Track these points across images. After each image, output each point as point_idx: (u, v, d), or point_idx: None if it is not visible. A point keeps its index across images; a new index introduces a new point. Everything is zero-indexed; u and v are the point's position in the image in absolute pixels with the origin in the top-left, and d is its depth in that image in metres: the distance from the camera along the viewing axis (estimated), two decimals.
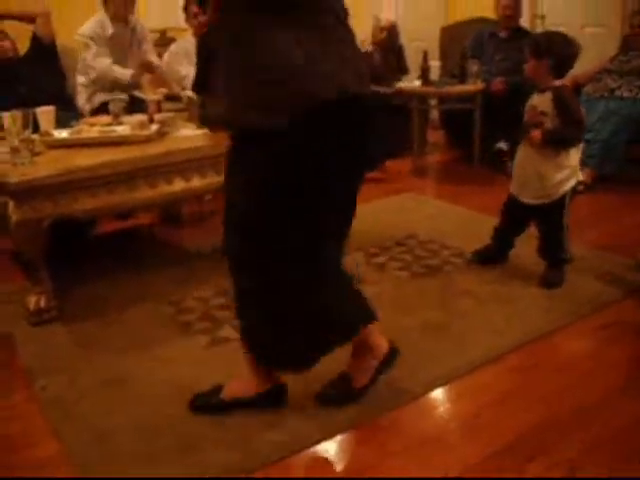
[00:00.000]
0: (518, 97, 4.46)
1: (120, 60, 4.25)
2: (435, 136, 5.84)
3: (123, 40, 4.27)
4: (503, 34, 5.18)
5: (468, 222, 3.78)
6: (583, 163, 4.43)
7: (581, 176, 2.97)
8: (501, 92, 4.84)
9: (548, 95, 2.86)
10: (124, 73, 4.19)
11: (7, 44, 4.18)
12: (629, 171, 4.62)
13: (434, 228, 3.73)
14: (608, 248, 3.38)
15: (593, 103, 4.73)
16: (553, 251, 3.01)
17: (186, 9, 4.42)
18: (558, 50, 2.86)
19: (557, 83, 2.89)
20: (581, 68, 5.27)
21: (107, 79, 4.21)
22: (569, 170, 2.90)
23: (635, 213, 3.99)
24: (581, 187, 4.38)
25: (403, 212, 4.08)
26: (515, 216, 3.10)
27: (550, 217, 2.97)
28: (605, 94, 4.78)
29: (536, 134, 2.86)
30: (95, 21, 4.21)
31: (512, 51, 4.95)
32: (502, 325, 2.63)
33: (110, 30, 4.18)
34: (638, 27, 4.87)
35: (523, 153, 3.00)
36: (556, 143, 2.85)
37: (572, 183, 2.93)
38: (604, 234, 3.62)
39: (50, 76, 4.32)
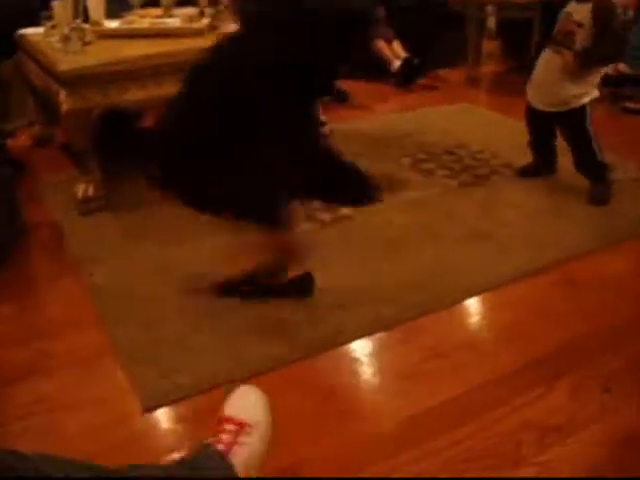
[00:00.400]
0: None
1: None
2: (490, 46, 5.65)
3: None
4: None
5: (520, 134, 3.64)
6: None
7: (597, 93, 2.84)
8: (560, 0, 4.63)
9: (588, 6, 2.71)
10: None
11: None
12: None
13: (485, 138, 3.65)
14: None
15: None
16: (587, 163, 2.92)
17: None
18: None
19: None
20: None
21: None
22: (590, 85, 2.80)
23: None
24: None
25: (454, 121, 4.01)
26: (538, 125, 3.02)
27: (571, 125, 2.88)
28: None
29: (568, 61, 2.74)
30: None
31: None
32: (547, 238, 2.59)
33: None
34: None
35: (546, 60, 2.88)
36: (591, 64, 2.73)
37: (589, 97, 2.82)
38: None
39: None
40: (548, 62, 2.87)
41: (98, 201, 2.85)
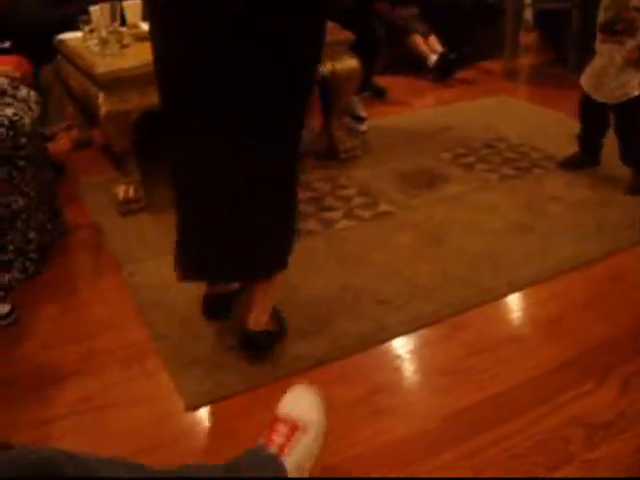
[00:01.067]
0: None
1: None
2: (528, 38, 5.57)
3: None
4: None
5: (559, 126, 3.63)
6: None
7: None
8: None
9: None
10: None
11: None
12: None
13: (524, 131, 3.60)
14: None
15: None
16: (633, 155, 2.87)
17: None
18: None
19: None
20: None
21: None
22: None
23: None
24: None
25: (493, 114, 3.96)
26: (593, 117, 2.96)
27: (627, 117, 2.82)
28: None
29: (632, 52, 2.67)
30: None
31: None
32: (590, 231, 2.54)
33: None
34: None
35: (605, 51, 2.79)
36: None
37: None
38: None
39: None
40: (608, 53, 2.78)
41: (138, 202, 2.87)
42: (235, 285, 2.08)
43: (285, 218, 1.83)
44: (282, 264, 1.85)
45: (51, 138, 3.79)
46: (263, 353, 1.93)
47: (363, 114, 3.60)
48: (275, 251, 1.83)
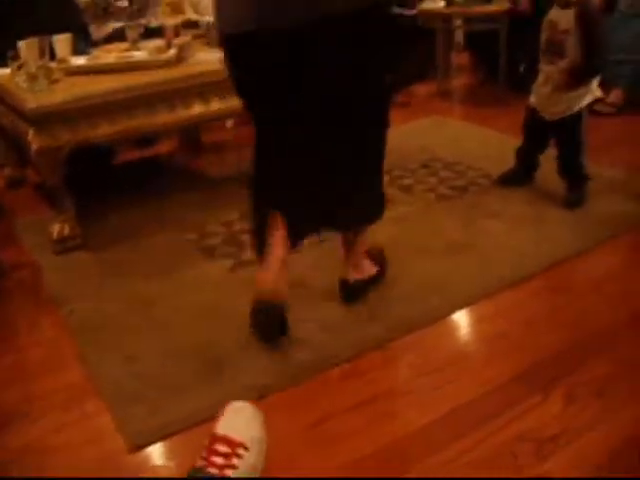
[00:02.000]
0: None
1: None
2: (460, 58, 5.69)
3: None
4: None
5: (494, 143, 3.70)
6: (614, 84, 4.35)
7: (599, 92, 2.86)
8: (528, 12, 4.68)
9: (571, 11, 2.71)
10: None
11: None
12: None
13: (460, 150, 3.65)
14: (638, 170, 3.27)
15: (628, 21, 4.55)
16: (571, 168, 2.93)
17: None
18: None
19: None
20: None
21: (95, 9, 4.13)
22: (585, 87, 2.80)
23: None
24: (612, 109, 4.28)
25: (428, 135, 4.01)
26: (536, 133, 3.02)
27: (568, 132, 2.88)
28: None
29: (562, 79, 2.75)
30: None
31: None
32: (528, 246, 2.58)
33: None
34: None
35: (544, 71, 2.88)
36: (581, 82, 2.75)
37: (589, 99, 2.83)
38: (635, 156, 3.51)
39: (66, 5, 4.26)
40: (547, 73, 2.87)
41: (75, 239, 2.81)
42: (285, 295, 2.05)
43: (378, 173, 2.25)
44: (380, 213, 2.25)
45: None
46: (358, 298, 2.27)
47: None
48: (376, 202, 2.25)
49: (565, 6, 2.74)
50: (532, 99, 2.99)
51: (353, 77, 1.90)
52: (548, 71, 2.85)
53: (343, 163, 2.07)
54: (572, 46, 2.72)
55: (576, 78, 2.73)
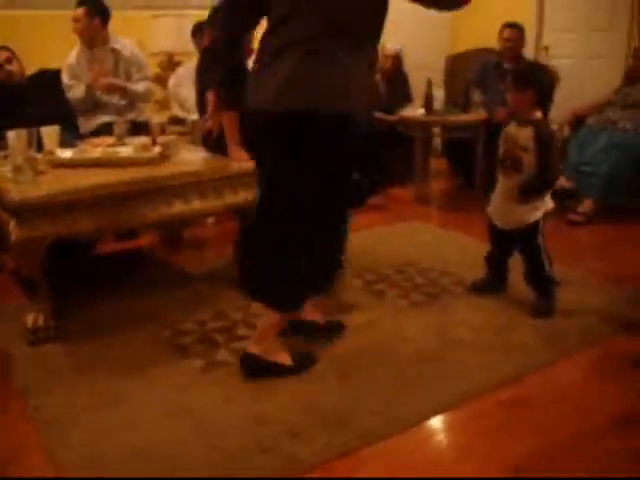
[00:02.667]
0: None
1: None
2: (438, 164, 5.85)
3: (106, 63, 4.29)
4: (507, 65, 5.21)
5: (469, 249, 3.77)
6: (585, 194, 4.50)
7: (552, 204, 3.01)
8: (505, 121, 4.86)
9: (530, 130, 2.86)
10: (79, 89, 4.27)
11: (15, 67, 4.24)
12: (630, 203, 4.63)
13: (435, 255, 3.73)
14: (608, 280, 3.38)
15: (595, 135, 4.76)
16: (536, 276, 3.01)
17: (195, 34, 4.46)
18: (541, 81, 2.90)
19: (539, 115, 2.91)
20: (584, 99, 5.34)
21: (86, 105, 4.28)
22: (541, 200, 2.93)
23: (636, 245, 4.00)
24: (584, 219, 4.41)
25: (404, 239, 4.09)
26: (498, 241, 3.13)
27: (526, 241, 2.99)
28: (607, 126, 4.80)
29: (517, 188, 2.90)
30: (76, 49, 4.32)
31: None
32: (496, 356, 2.62)
33: (86, 56, 4.27)
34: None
35: (501, 182, 3.03)
36: (534, 195, 2.89)
37: (544, 210, 2.95)
38: (605, 266, 3.61)
39: (55, 98, 4.37)
40: (503, 185, 3.01)
41: (48, 331, 2.80)
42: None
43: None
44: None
45: None
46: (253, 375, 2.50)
47: None
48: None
49: (524, 124, 2.89)
50: (489, 208, 3.11)
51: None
52: (503, 183, 2.99)
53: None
54: (529, 163, 2.86)
55: (527, 193, 2.87)
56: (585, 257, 3.76)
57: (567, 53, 6.28)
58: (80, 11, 4.19)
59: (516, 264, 3.11)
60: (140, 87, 4.33)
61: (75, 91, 4.24)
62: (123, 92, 4.26)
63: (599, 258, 3.76)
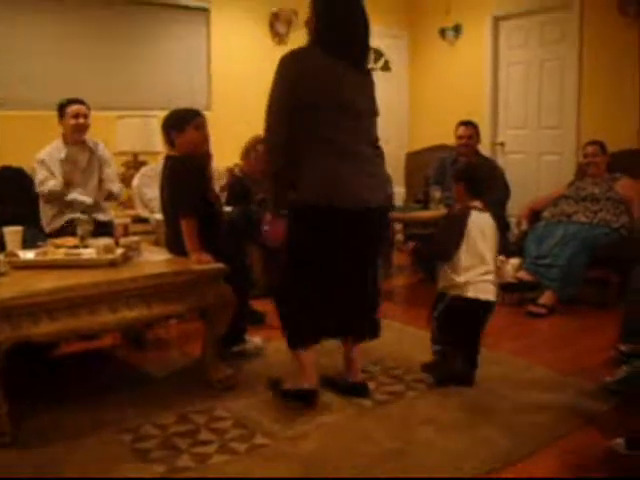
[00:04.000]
0: None
1: (82, 180, 4.38)
2: (400, 259, 5.92)
3: (80, 161, 4.38)
4: (463, 161, 5.37)
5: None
6: (545, 286, 4.58)
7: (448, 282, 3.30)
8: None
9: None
10: (85, 199, 4.34)
11: None
12: (588, 293, 4.74)
13: (399, 353, 3.74)
14: (570, 372, 3.42)
15: (552, 227, 4.90)
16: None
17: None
18: (469, 174, 3.46)
19: (474, 204, 3.33)
20: (540, 193, 5.52)
21: (58, 200, 4.31)
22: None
23: (596, 336, 4.07)
24: (544, 310, 4.48)
25: None
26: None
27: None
28: (563, 219, 4.96)
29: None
30: (51, 145, 4.39)
31: None
32: (462, 454, 2.60)
33: (63, 152, 4.33)
34: (590, 156, 5.12)
35: None
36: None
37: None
38: (566, 358, 3.67)
39: (20, 196, 4.40)
40: None
41: (3, 437, 2.71)
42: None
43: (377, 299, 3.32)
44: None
45: None
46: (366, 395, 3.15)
47: (257, 341, 3.78)
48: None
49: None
50: None
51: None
52: None
53: (361, 293, 3.14)
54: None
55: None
56: (546, 349, 3.81)
57: (521, 149, 6.53)
58: (84, 108, 4.34)
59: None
60: (115, 187, 4.40)
61: (50, 183, 4.26)
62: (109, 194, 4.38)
63: (560, 350, 3.81)
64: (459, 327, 3.23)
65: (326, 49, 2.88)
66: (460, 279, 3.19)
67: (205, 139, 3.53)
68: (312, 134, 2.88)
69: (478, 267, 3.20)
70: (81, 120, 4.32)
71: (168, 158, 3.48)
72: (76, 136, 4.36)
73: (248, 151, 4.64)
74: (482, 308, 3.21)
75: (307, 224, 2.93)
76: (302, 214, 2.92)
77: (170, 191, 3.41)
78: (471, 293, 3.18)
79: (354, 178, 2.89)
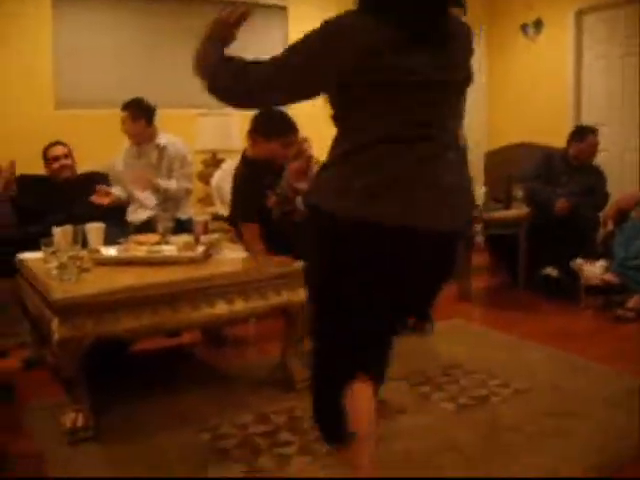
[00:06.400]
0: (577, 224, 4.51)
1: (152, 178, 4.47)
2: (479, 259, 5.78)
3: (150, 158, 4.51)
4: (575, 162, 5.22)
5: (515, 350, 3.68)
6: (634, 289, 4.40)
7: None
8: (565, 211, 4.84)
9: None
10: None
11: (69, 162, 4.53)
12: None
13: (480, 357, 3.63)
14: None
15: None
16: None
17: None
18: None
19: None
20: (624, 191, 5.30)
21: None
22: None
23: None
24: (632, 314, 4.31)
25: (448, 339, 3.99)
26: None
27: None
28: None
29: None
30: (125, 144, 4.60)
31: (580, 176, 5.12)
32: (552, 463, 2.49)
33: (133, 151, 4.54)
34: None
35: None
36: None
37: None
38: None
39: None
40: None
41: (87, 431, 2.74)
42: None
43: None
44: None
45: (3, 354, 3.72)
46: None
47: None
48: None
49: None
50: None
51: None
52: None
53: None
54: None
55: None
56: (635, 356, 3.64)
57: (603, 147, 6.31)
58: (124, 114, 4.42)
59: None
60: (173, 184, 4.43)
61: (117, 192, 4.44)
62: (155, 189, 4.39)
63: None
64: None
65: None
66: None
67: (286, 157, 3.48)
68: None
69: None
70: (124, 126, 4.44)
71: (243, 157, 3.47)
72: (136, 138, 4.50)
73: None
74: None
75: (361, 253, 1.87)
76: (351, 237, 1.86)
77: (232, 195, 3.39)
78: None
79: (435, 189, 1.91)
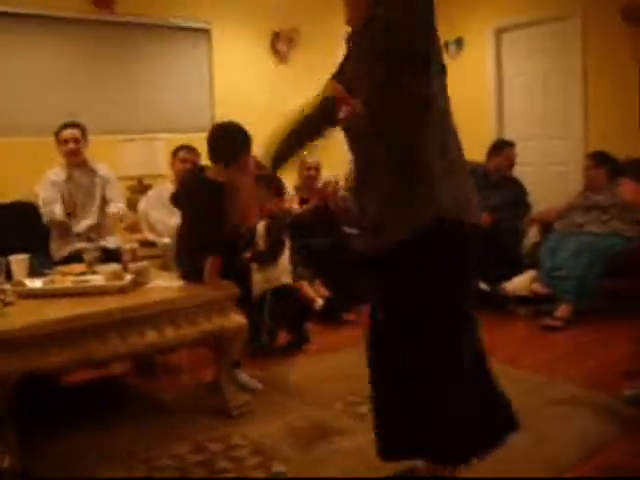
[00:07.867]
0: (501, 236, 4.60)
1: (85, 201, 4.38)
2: None
3: (82, 183, 4.40)
4: (494, 175, 5.33)
5: None
6: (561, 299, 4.51)
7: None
8: (488, 225, 4.91)
9: None
10: (81, 225, 4.34)
11: None
12: (604, 304, 4.65)
13: None
14: (591, 386, 3.33)
15: (564, 239, 4.83)
16: None
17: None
18: None
19: None
20: (547, 204, 5.44)
21: (60, 226, 4.31)
22: None
23: (614, 347, 3.98)
24: (561, 323, 4.41)
25: None
26: None
27: None
28: (574, 230, 4.89)
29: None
30: (52, 170, 4.41)
31: (500, 190, 5.21)
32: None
33: (64, 175, 4.36)
34: (585, 169, 5.17)
35: None
36: None
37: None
38: (586, 371, 3.58)
39: (29, 224, 4.37)
40: None
41: (14, 474, 2.63)
42: None
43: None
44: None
45: None
46: None
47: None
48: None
49: None
50: None
51: None
52: None
53: None
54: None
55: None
56: (566, 363, 3.73)
57: (529, 161, 6.46)
58: (76, 132, 4.32)
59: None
60: (121, 206, 4.37)
61: (55, 209, 4.24)
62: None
63: (579, 364, 3.72)
64: None
65: None
66: None
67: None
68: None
69: None
70: (71, 145, 4.31)
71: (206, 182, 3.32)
72: (72, 160, 4.35)
73: None
74: None
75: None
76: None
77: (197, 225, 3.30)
78: None
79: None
